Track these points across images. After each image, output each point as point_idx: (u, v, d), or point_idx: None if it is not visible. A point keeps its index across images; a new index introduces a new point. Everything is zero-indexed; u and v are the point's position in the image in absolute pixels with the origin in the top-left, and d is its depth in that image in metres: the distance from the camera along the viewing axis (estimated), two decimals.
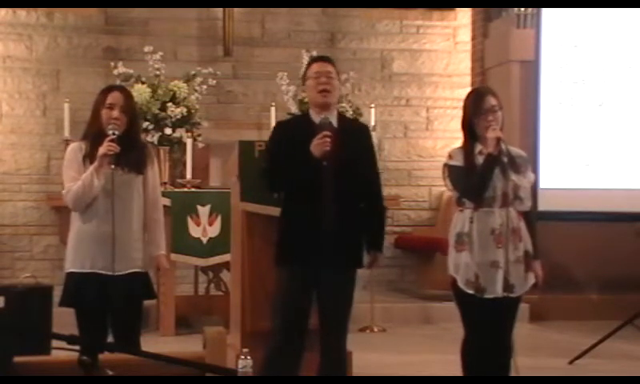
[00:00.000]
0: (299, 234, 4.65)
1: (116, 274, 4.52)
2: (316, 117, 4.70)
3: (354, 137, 4.79)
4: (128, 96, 4.71)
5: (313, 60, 4.94)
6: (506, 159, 4.72)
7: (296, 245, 4.66)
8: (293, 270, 4.68)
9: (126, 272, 4.56)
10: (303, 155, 4.56)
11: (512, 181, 4.71)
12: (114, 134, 4.50)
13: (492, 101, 4.74)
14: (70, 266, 4.61)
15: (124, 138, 4.54)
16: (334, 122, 4.72)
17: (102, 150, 4.48)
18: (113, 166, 4.49)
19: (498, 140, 4.66)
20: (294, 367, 4.68)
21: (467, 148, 4.77)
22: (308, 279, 4.64)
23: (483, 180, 4.67)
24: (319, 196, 4.56)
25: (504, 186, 4.70)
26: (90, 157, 4.55)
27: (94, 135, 4.59)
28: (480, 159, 4.71)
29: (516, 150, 4.87)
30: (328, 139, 4.54)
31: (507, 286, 4.71)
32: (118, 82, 7.91)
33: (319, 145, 4.55)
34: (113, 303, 4.54)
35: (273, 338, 4.73)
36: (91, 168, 4.50)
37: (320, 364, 4.74)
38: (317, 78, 4.71)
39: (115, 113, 4.56)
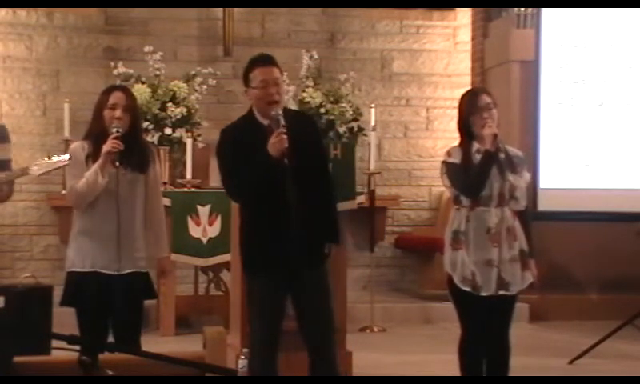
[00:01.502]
0: (265, 240, 4.52)
1: (117, 273, 4.52)
2: (262, 119, 4.57)
3: (303, 130, 4.64)
4: (130, 96, 4.72)
5: (255, 63, 4.67)
6: (503, 156, 4.76)
7: (263, 252, 4.55)
8: (264, 280, 4.57)
9: (127, 271, 4.56)
10: (257, 158, 4.42)
11: (509, 181, 4.76)
12: (117, 131, 4.51)
13: (487, 99, 4.79)
14: (71, 265, 4.61)
15: (127, 137, 4.54)
16: (281, 118, 4.54)
17: (106, 147, 4.48)
18: (117, 164, 4.48)
19: (495, 136, 4.69)
20: (274, 369, 4.64)
21: (465, 146, 4.79)
22: (280, 285, 4.55)
23: (481, 176, 4.70)
24: (282, 197, 4.44)
25: (501, 186, 4.74)
26: (92, 156, 4.55)
27: (96, 135, 4.59)
28: (477, 158, 4.74)
29: (513, 150, 4.92)
30: (284, 136, 4.40)
31: (502, 284, 4.74)
32: (118, 82, 7.92)
33: (277, 143, 4.40)
34: (114, 303, 4.54)
35: (252, 348, 4.65)
36: (95, 166, 4.50)
37: (311, 365, 4.70)
38: (264, 87, 4.54)
39: (117, 112, 4.56)
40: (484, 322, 4.78)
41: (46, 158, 4.60)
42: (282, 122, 4.46)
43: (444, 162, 4.86)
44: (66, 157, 4.38)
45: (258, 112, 4.62)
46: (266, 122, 4.55)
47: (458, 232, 4.77)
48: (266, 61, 4.67)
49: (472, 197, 4.73)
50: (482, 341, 4.83)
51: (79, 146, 4.66)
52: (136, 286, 4.61)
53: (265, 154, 4.41)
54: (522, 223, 4.83)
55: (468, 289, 4.72)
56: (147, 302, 4.94)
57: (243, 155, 4.50)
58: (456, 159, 4.79)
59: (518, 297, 4.92)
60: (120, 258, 4.51)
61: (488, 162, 4.70)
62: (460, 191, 4.78)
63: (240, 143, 4.56)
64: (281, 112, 4.53)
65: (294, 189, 4.45)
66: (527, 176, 4.92)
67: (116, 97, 4.61)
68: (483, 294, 4.72)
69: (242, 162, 4.49)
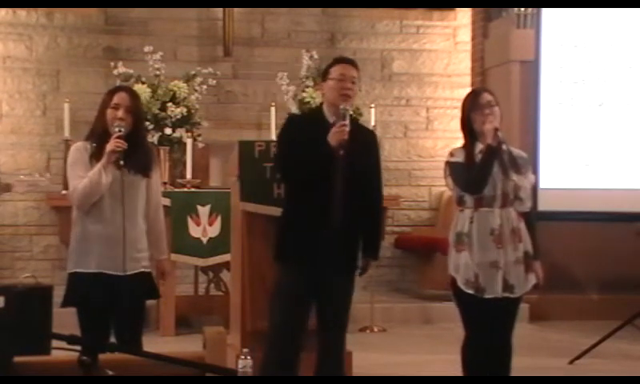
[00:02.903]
0: (304, 232, 4.60)
1: (122, 274, 4.50)
2: (330, 115, 4.67)
3: (364, 141, 4.76)
4: (134, 97, 4.69)
5: (339, 60, 4.83)
6: (506, 156, 4.74)
7: (300, 242, 4.62)
8: (295, 269, 4.64)
9: (132, 273, 4.55)
10: (317, 148, 4.53)
11: (512, 181, 4.72)
12: (119, 131, 4.49)
13: (488, 97, 4.79)
14: (74, 266, 4.58)
15: (129, 138, 4.52)
16: (347, 116, 4.64)
17: (109, 146, 4.46)
18: (122, 162, 4.47)
19: (496, 130, 4.68)
20: (292, 368, 4.67)
21: (468, 147, 4.79)
22: (310, 279, 4.61)
23: (484, 171, 4.68)
24: (329, 196, 4.51)
25: (504, 185, 4.71)
26: (96, 156, 4.53)
27: (99, 135, 4.57)
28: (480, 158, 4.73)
29: (517, 151, 4.89)
30: (346, 129, 4.52)
31: (507, 287, 4.72)
32: (118, 82, 7.92)
33: (337, 133, 4.51)
34: (117, 303, 4.53)
35: (271, 339, 4.70)
36: (99, 165, 4.47)
37: (318, 364, 4.73)
38: (341, 80, 4.65)
39: (120, 113, 4.54)
40: (487, 325, 4.76)
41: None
42: (347, 118, 4.58)
43: (447, 163, 4.85)
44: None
45: (328, 107, 4.72)
46: (332, 119, 4.63)
47: (462, 234, 4.74)
48: (349, 61, 4.83)
49: (475, 193, 4.71)
50: (484, 343, 4.81)
51: (82, 147, 4.64)
52: (140, 287, 4.60)
53: (324, 142, 4.51)
54: (527, 225, 4.80)
55: (471, 291, 4.69)
56: (148, 302, 4.94)
57: (302, 142, 4.57)
58: (459, 159, 4.79)
59: (522, 298, 4.91)
60: (125, 259, 4.50)
61: (490, 156, 4.68)
62: (463, 189, 4.76)
63: (302, 131, 4.66)
64: (349, 108, 4.65)
65: (342, 189, 4.51)
66: (532, 177, 4.89)
67: (119, 97, 4.59)
68: (487, 296, 4.69)
69: (299, 147, 4.57)
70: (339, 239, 4.54)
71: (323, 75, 4.83)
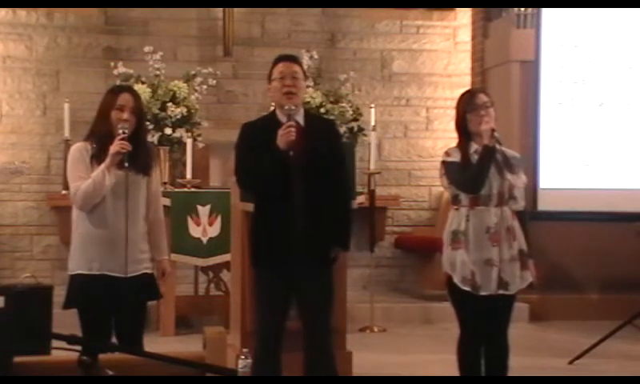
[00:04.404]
0: (271, 236, 4.62)
1: (125, 275, 4.49)
2: (282, 117, 4.66)
3: (321, 133, 4.75)
4: (137, 98, 4.68)
5: (278, 59, 4.80)
6: (500, 157, 4.78)
7: (269, 247, 4.64)
8: (267, 274, 4.67)
9: (134, 274, 4.54)
10: (267, 150, 4.54)
11: (507, 180, 4.78)
12: (123, 132, 4.48)
13: (484, 98, 4.83)
14: (76, 268, 4.56)
15: (132, 139, 4.51)
16: (301, 120, 4.68)
17: (114, 148, 4.44)
18: (126, 164, 4.46)
19: (492, 131, 4.71)
20: (274, 368, 4.67)
21: (463, 147, 4.81)
22: (284, 281, 4.62)
23: (481, 171, 4.72)
24: (289, 192, 4.52)
25: (500, 185, 4.76)
26: (97, 157, 4.51)
27: (101, 136, 4.54)
28: (475, 158, 4.76)
29: (510, 152, 4.95)
30: (292, 129, 4.51)
31: (502, 284, 4.75)
32: (118, 82, 7.92)
33: (284, 135, 4.52)
34: (119, 304, 4.53)
35: (256, 342, 4.74)
36: (102, 166, 4.46)
37: (306, 363, 4.72)
38: (282, 79, 4.65)
39: (125, 115, 4.53)
40: (482, 322, 4.79)
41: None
42: (294, 116, 4.59)
43: (443, 162, 4.88)
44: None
45: (278, 109, 4.72)
46: (284, 119, 4.63)
47: (458, 232, 4.78)
48: (287, 58, 4.82)
49: (473, 192, 4.74)
50: (480, 340, 4.84)
51: (82, 147, 4.61)
52: (142, 288, 4.59)
53: (274, 146, 4.52)
54: (520, 223, 4.84)
55: (468, 288, 4.73)
56: (148, 302, 4.93)
57: (258, 149, 4.59)
58: (455, 158, 4.81)
59: (517, 296, 4.94)
60: (127, 261, 4.49)
61: (487, 156, 4.72)
62: (461, 188, 4.79)
63: (257, 138, 4.66)
64: (294, 107, 4.64)
65: (302, 188, 4.52)
66: (524, 177, 4.94)
67: (124, 99, 4.57)
68: (482, 293, 4.73)
69: (255, 157, 4.59)
70: (306, 238, 4.53)
71: (268, 78, 4.80)
